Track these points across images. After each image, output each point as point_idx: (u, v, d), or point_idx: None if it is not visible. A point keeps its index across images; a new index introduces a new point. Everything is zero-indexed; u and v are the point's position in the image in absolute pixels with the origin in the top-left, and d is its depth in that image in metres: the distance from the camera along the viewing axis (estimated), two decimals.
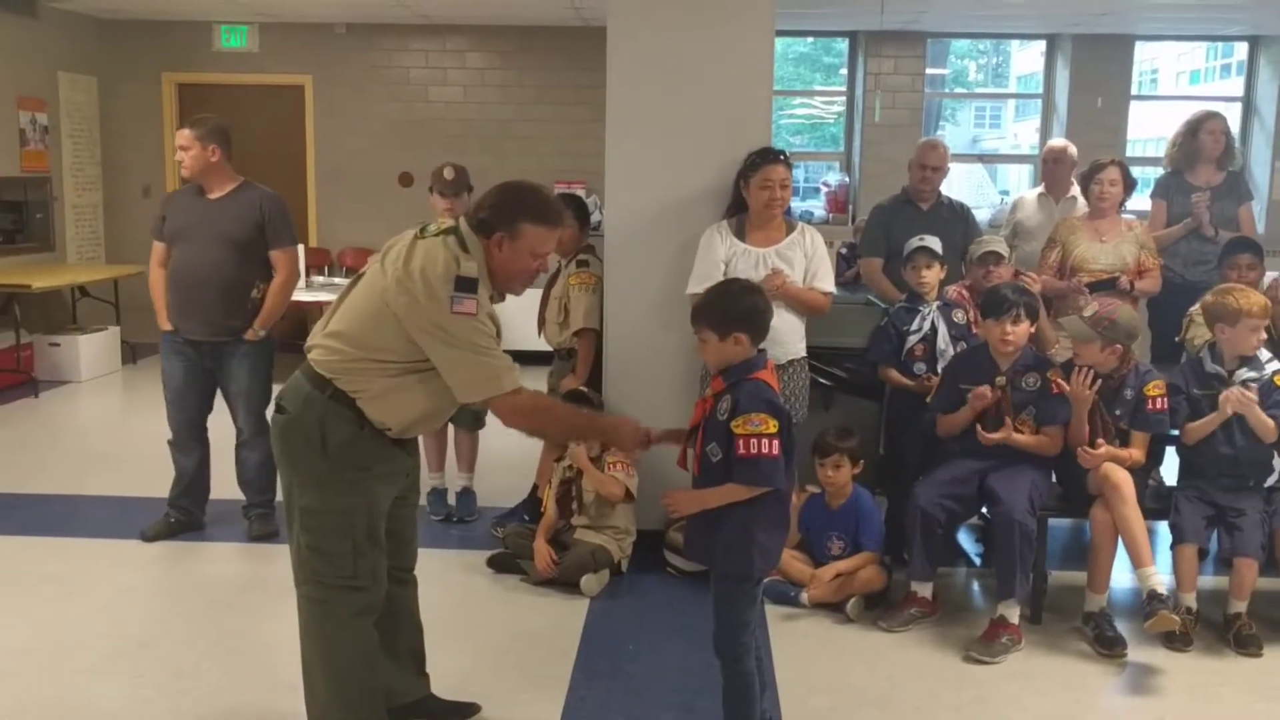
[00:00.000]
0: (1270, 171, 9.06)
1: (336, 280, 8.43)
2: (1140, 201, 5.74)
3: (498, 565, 4.41)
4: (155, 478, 4.94)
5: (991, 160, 11.10)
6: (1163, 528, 4.20)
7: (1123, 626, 3.83)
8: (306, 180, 9.36)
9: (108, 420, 7.40)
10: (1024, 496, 3.83)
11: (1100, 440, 3.88)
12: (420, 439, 3.17)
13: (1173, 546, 3.94)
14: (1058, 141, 6.14)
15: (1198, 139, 5.48)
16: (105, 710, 3.25)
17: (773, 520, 2.82)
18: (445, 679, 3.23)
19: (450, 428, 4.88)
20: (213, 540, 4.73)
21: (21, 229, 8.35)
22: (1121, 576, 3.99)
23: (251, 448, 4.71)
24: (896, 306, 4.54)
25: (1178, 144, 5.58)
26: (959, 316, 4.42)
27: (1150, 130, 9.53)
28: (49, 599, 4.05)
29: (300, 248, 4.93)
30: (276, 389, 2.88)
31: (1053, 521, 4.25)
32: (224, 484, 4.84)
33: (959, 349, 4.32)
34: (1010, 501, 3.81)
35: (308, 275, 8.09)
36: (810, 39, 10.39)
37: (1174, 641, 3.77)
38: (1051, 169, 5.83)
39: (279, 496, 3.15)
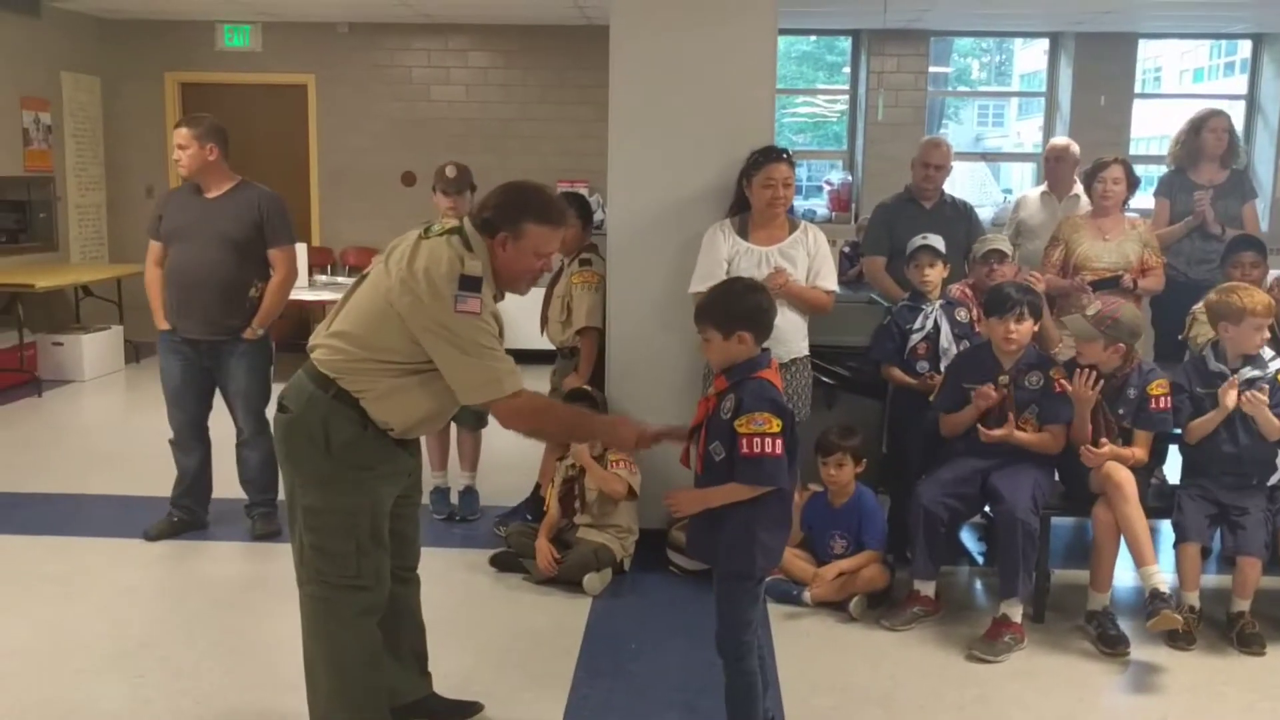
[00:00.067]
0: (1274, 169, 9.05)
1: (339, 280, 8.44)
2: (1144, 200, 5.74)
3: (500, 564, 4.41)
4: (158, 477, 4.94)
5: (994, 159, 11.10)
6: (1165, 526, 4.20)
7: (1125, 625, 3.82)
8: (309, 179, 9.38)
9: (111, 419, 7.41)
10: (1027, 495, 3.83)
11: (1103, 439, 3.88)
12: (423, 438, 3.17)
13: (1175, 545, 3.93)
14: (1060, 140, 6.13)
15: (1201, 137, 5.48)
16: (106, 710, 3.25)
17: (775, 519, 2.81)
18: (448, 678, 3.23)
19: (453, 427, 4.87)
20: (215, 539, 4.73)
21: (25, 228, 8.36)
22: (1124, 575, 3.99)
23: (252, 447, 4.71)
24: (899, 305, 4.53)
25: (1181, 142, 5.58)
26: (962, 315, 4.41)
27: (1153, 128, 9.52)
28: (51, 598, 4.06)
29: (302, 247, 4.93)
30: (275, 388, 2.88)
31: (1055, 520, 4.24)
32: (226, 483, 4.85)
33: (962, 348, 4.31)
34: (1013, 500, 3.81)
35: (310, 275, 8.11)
36: (813, 38, 10.39)
37: (1177, 640, 3.77)
38: (1054, 167, 5.82)
39: (281, 495, 3.15)
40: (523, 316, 4.47)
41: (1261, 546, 3.81)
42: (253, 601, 4.09)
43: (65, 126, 8.76)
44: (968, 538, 4.88)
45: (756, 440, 2.70)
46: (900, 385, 4.43)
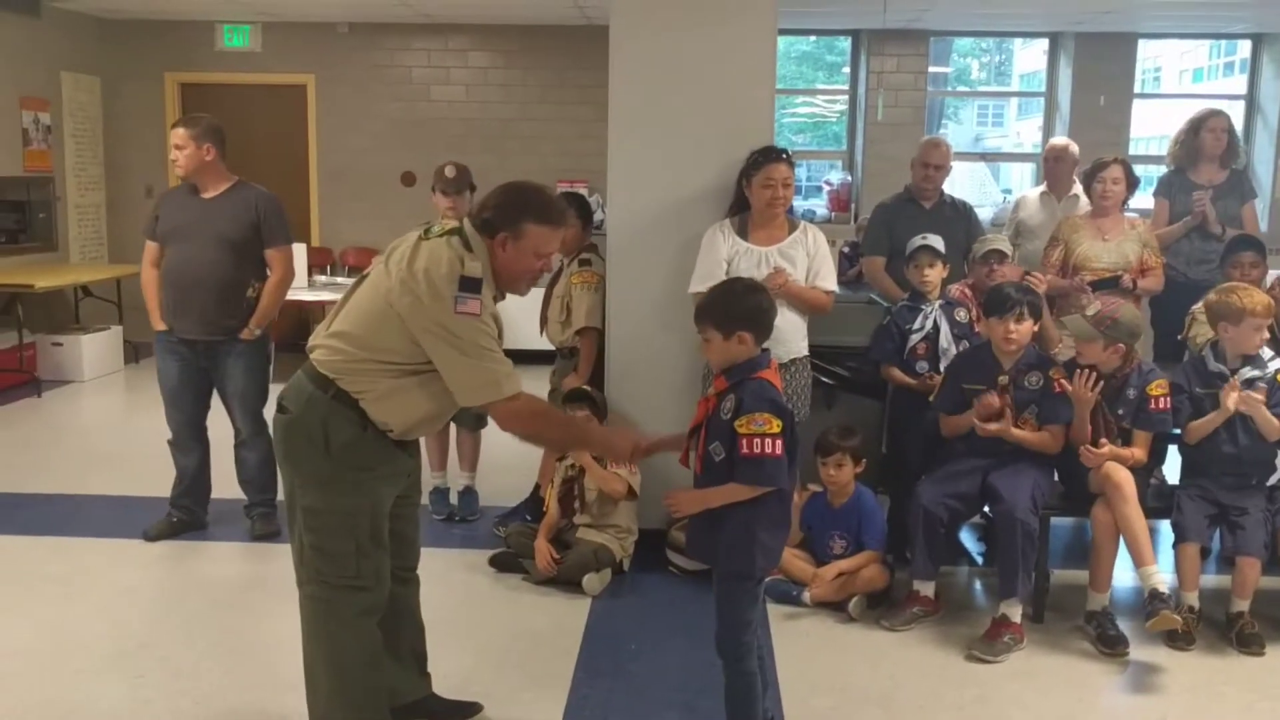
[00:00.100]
0: (1274, 169, 9.05)
1: (339, 280, 8.45)
2: (1143, 200, 5.74)
3: (500, 564, 4.41)
4: (157, 477, 4.94)
5: (994, 159, 11.10)
6: (1165, 527, 4.20)
7: (1125, 625, 3.82)
8: (309, 180, 9.37)
9: (110, 420, 7.41)
10: (1026, 495, 3.83)
11: (1103, 440, 3.88)
12: (422, 438, 3.17)
13: (1175, 545, 3.94)
14: (1060, 140, 6.14)
15: (1200, 137, 5.48)
16: (106, 710, 3.25)
17: (775, 519, 2.82)
18: (447, 678, 3.23)
19: (453, 427, 4.88)
20: (215, 540, 4.73)
21: (24, 229, 8.36)
22: (1123, 575, 3.99)
23: (250, 447, 4.71)
24: (899, 305, 4.53)
25: (1180, 142, 5.58)
26: (961, 315, 4.41)
27: (1153, 128, 9.52)
28: (50, 599, 4.06)
29: (300, 247, 4.93)
30: (275, 389, 2.88)
31: (1055, 520, 4.24)
32: (226, 483, 4.85)
33: (961, 348, 4.32)
34: (1012, 500, 3.81)
35: (310, 275, 8.11)
36: (813, 38, 10.39)
37: (1176, 640, 3.77)
38: (1054, 167, 5.82)
39: (280, 495, 3.15)
40: (522, 317, 4.47)
41: (1261, 547, 3.81)
42: (252, 602, 4.09)
43: (65, 126, 8.76)
44: (967, 538, 4.88)
45: (756, 440, 2.71)
46: (900, 385, 4.43)
